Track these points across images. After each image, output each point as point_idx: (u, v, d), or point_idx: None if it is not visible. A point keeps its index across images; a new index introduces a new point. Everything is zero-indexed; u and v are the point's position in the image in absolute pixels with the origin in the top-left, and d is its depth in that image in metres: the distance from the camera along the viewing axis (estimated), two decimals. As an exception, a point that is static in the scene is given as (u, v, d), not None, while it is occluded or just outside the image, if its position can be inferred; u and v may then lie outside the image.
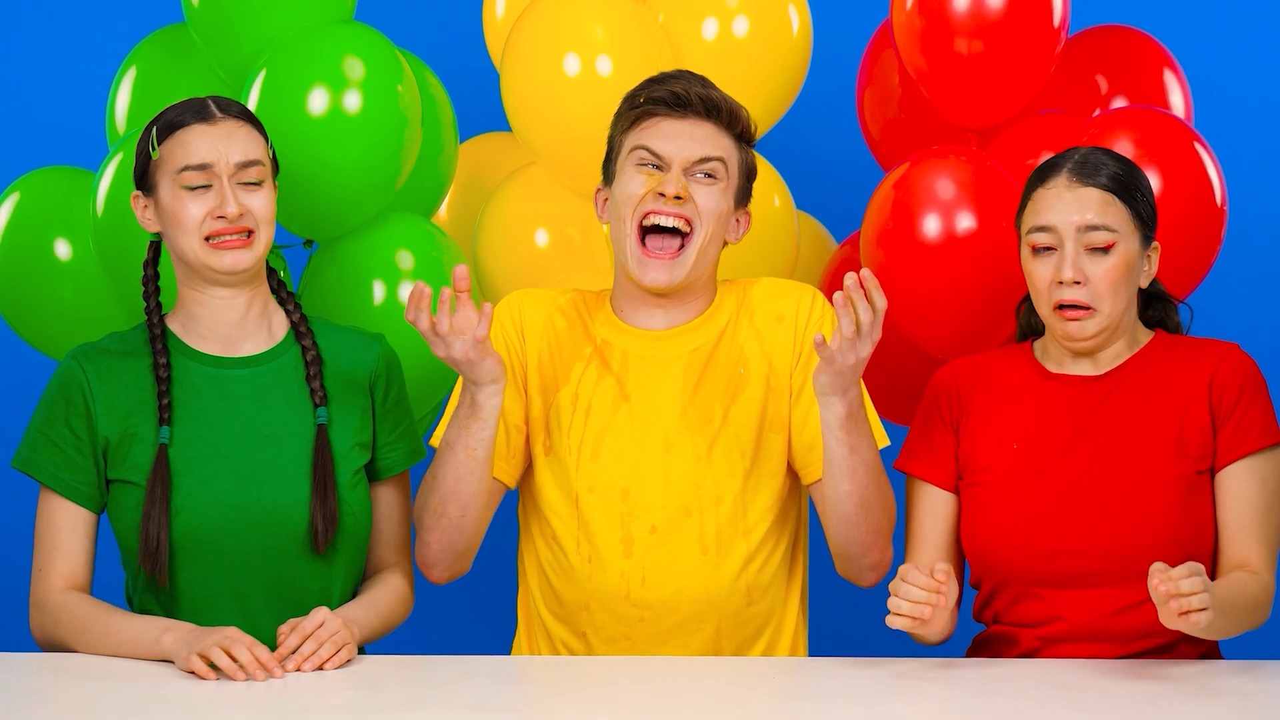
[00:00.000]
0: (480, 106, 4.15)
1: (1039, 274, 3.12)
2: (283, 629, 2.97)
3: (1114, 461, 3.11)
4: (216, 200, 3.09)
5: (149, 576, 3.07)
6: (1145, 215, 3.14)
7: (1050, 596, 3.11)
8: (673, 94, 3.17)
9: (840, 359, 2.95)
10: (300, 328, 3.18)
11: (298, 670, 2.92)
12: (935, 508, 3.20)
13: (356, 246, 3.63)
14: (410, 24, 4.29)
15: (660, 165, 3.16)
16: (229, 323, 3.16)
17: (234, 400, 3.14)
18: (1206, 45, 4.45)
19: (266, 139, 3.17)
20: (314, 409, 3.14)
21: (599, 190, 3.26)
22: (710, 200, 3.17)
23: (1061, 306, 3.11)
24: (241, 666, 2.88)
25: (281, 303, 3.22)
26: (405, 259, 3.62)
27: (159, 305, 3.16)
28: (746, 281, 3.30)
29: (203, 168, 3.09)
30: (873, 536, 3.14)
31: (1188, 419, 3.11)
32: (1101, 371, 3.16)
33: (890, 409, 3.80)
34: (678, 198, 3.13)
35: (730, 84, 3.42)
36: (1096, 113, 3.72)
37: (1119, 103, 3.74)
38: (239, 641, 2.90)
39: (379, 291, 3.60)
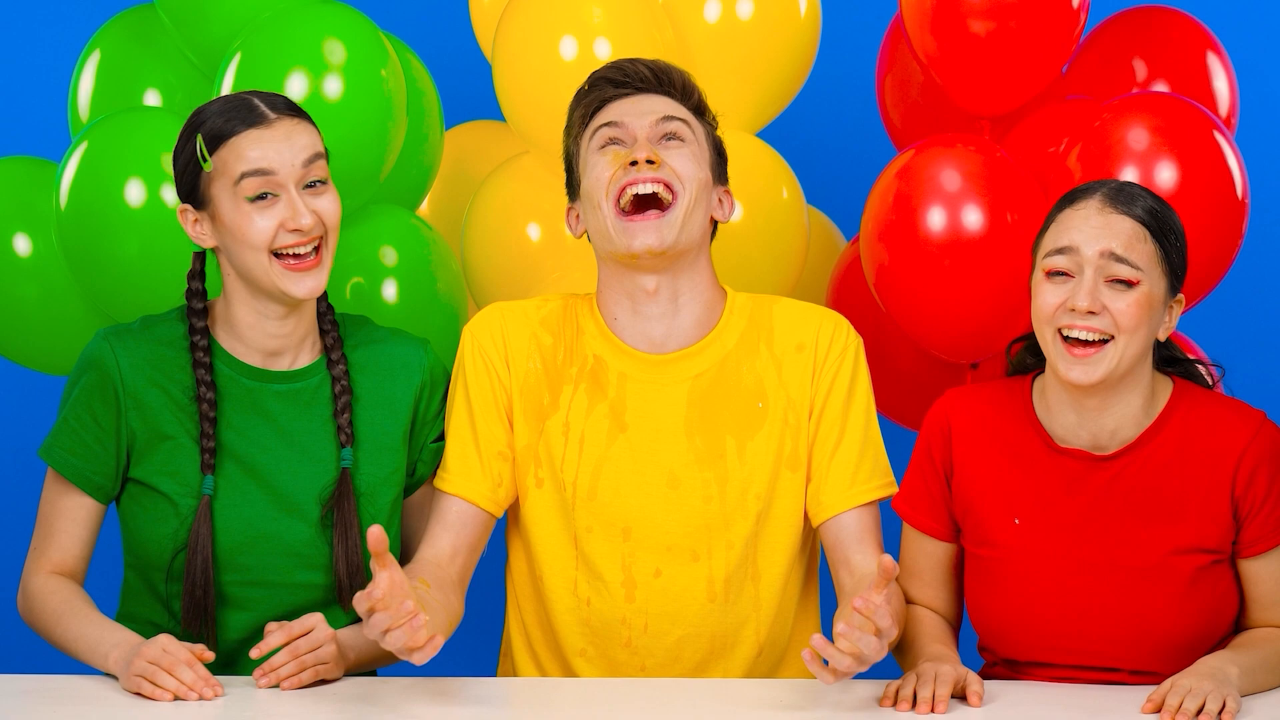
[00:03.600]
0: (465, 92, 4.05)
1: (1047, 298, 2.87)
2: (270, 626, 2.84)
3: (1125, 550, 2.91)
4: (287, 211, 2.90)
5: (193, 632, 2.96)
6: (1175, 261, 2.90)
7: (1060, 678, 2.94)
8: (620, 70, 3.00)
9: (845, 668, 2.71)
10: (333, 354, 3.01)
11: (274, 686, 2.83)
12: (933, 553, 3.03)
13: (337, 240, 3.43)
14: (390, 4, 4.16)
15: (623, 140, 2.96)
16: (276, 336, 2.99)
17: (269, 417, 2.98)
18: (1252, 28, 4.33)
19: (318, 130, 3.00)
20: (339, 448, 2.98)
21: (570, 208, 3.04)
22: (684, 162, 2.96)
23: (1068, 340, 2.87)
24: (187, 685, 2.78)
25: (321, 321, 3.04)
26: (389, 254, 3.50)
27: (206, 329, 2.98)
28: (763, 299, 3.08)
29: (266, 174, 2.90)
30: None
31: (1208, 508, 2.90)
32: (1112, 449, 2.93)
33: (899, 412, 3.69)
34: (650, 161, 2.93)
35: (734, 68, 3.27)
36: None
37: (1159, 87, 3.60)
38: (178, 660, 2.78)
39: (361, 288, 3.48)
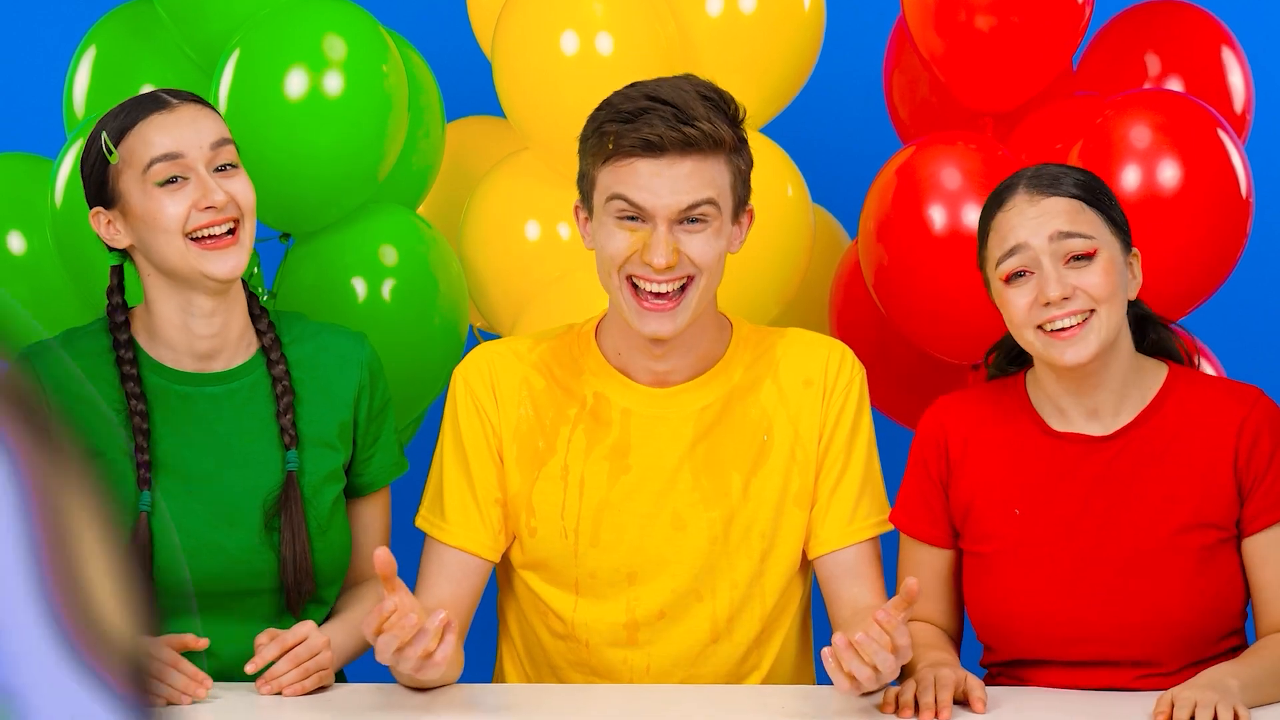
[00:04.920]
0: (463, 87, 3.98)
1: (1016, 302, 2.82)
2: (261, 639, 2.81)
3: (1128, 533, 2.87)
4: (198, 192, 2.86)
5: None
6: (1118, 220, 2.87)
7: (1068, 675, 2.90)
8: (645, 141, 2.80)
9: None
10: (272, 354, 2.96)
11: (277, 694, 2.81)
12: (933, 564, 2.98)
13: (336, 241, 3.45)
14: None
15: (642, 218, 2.83)
16: (205, 336, 2.94)
17: (205, 424, 2.94)
18: (1268, 22, 4.28)
19: (224, 121, 2.98)
20: (284, 450, 2.94)
21: (577, 208, 2.94)
22: (703, 249, 2.83)
23: (1052, 331, 2.82)
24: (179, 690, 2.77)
25: (257, 322, 3.00)
26: (389, 254, 3.45)
27: (131, 340, 2.94)
28: (770, 332, 3.02)
29: (174, 158, 2.86)
30: None
31: (1210, 484, 2.87)
32: (1111, 430, 2.90)
33: (901, 413, 3.65)
34: (669, 266, 2.82)
35: (737, 64, 3.21)
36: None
37: (1173, 84, 3.57)
38: (163, 666, 2.76)
39: (360, 289, 3.42)
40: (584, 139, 2.89)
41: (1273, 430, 2.87)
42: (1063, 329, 2.81)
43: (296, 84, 3.28)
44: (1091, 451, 2.89)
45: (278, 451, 2.94)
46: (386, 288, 3.41)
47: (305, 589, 2.92)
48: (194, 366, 2.94)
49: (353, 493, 3.03)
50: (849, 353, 3.00)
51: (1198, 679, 2.73)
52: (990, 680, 2.98)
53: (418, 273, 3.43)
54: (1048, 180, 2.85)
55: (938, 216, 3.37)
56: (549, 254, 3.54)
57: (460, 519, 2.94)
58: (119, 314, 2.94)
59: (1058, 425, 2.91)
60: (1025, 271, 2.82)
